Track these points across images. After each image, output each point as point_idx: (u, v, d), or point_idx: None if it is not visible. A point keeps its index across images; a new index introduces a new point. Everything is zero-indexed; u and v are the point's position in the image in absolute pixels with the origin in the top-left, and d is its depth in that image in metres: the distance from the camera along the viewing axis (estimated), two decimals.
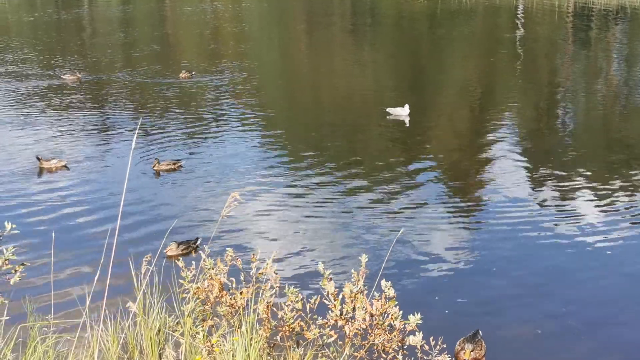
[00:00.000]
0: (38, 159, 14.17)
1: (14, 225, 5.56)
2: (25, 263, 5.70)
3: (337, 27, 37.00)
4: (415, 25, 36.27)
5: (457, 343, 7.79)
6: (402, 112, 17.35)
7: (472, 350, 7.62)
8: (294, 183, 13.37)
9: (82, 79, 22.41)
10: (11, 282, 5.62)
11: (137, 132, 6.74)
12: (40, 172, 14.01)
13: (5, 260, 5.68)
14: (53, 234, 6.87)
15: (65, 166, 14.30)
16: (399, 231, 9.16)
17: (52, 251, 7.05)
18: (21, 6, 45.83)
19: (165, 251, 10.08)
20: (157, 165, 13.72)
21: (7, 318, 5.66)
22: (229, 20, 39.06)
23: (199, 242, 10.42)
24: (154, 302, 5.98)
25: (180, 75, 22.08)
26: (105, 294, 5.49)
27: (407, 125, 17.12)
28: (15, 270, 5.70)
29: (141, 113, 18.37)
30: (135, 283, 5.85)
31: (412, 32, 34.61)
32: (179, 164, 13.99)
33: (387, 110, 17.58)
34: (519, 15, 38.05)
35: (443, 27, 35.01)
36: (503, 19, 37.57)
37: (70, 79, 22.25)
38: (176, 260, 5.89)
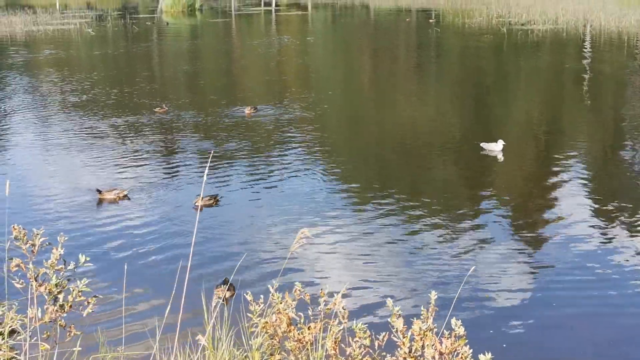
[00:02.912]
0: (99, 191, 14.43)
1: (87, 258, 5.68)
2: (98, 295, 5.80)
3: (402, 61, 37.04)
4: (481, 59, 36.06)
5: None
6: (496, 148, 17.28)
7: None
8: (360, 218, 13.34)
9: (168, 111, 23.05)
10: (84, 314, 5.72)
11: (208, 165, 6.83)
12: (100, 203, 14.26)
13: (79, 292, 5.80)
14: (125, 266, 7.00)
15: (126, 196, 14.55)
16: (468, 268, 9.07)
17: (124, 283, 7.17)
18: (95, 41, 47.04)
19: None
20: (198, 201, 13.84)
21: (80, 349, 5.77)
22: (294, 54, 39.48)
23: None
24: (223, 336, 6.04)
25: (246, 110, 22.33)
26: (178, 328, 5.54)
27: (500, 159, 16.98)
28: (88, 302, 5.81)
29: (205, 147, 18.60)
30: (205, 316, 5.92)
31: (477, 66, 34.42)
32: (216, 199, 14.13)
33: (481, 145, 17.52)
34: (586, 49, 37.58)
35: (509, 61, 34.78)
36: (570, 52, 37.13)
37: (160, 111, 22.85)
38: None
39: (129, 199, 14.54)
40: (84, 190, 15.06)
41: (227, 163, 17.00)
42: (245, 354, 6.05)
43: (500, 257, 11.46)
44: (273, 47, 42.56)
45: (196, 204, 13.82)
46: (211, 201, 13.95)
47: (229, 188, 15.16)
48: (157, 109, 23.07)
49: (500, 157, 17.13)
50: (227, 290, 9.63)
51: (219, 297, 9.22)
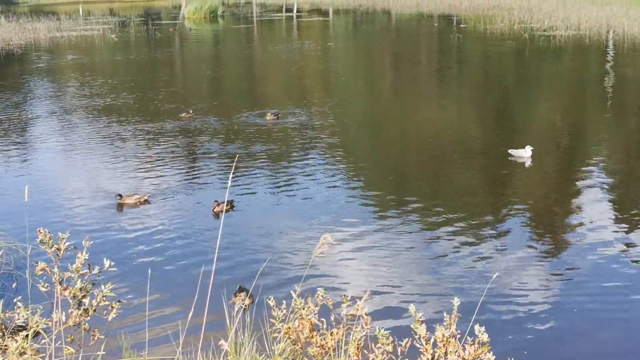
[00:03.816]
0: (119, 196, 14.53)
1: (112, 263, 5.71)
2: (122, 300, 5.83)
3: (424, 66, 36.98)
4: (503, 64, 35.94)
5: None
6: (525, 154, 17.20)
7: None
8: (382, 224, 13.32)
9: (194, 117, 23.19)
10: (109, 319, 5.75)
11: (232, 171, 6.87)
12: (121, 207, 14.35)
13: (103, 296, 5.83)
14: (149, 271, 7.03)
15: (147, 201, 14.64)
16: (491, 274, 9.03)
17: (148, 288, 7.20)
18: (117, 47, 47.36)
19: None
20: (216, 207, 13.89)
21: (104, 353, 5.80)
22: (316, 59, 39.53)
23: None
24: (246, 341, 6.05)
25: (267, 117, 22.37)
26: (202, 333, 5.56)
27: (527, 166, 16.90)
28: (112, 307, 5.84)
29: (226, 153, 18.66)
30: (228, 321, 5.94)
31: (499, 71, 34.31)
32: (232, 204, 14.17)
33: (509, 151, 17.46)
34: (609, 54, 37.35)
35: (531, 67, 34.61)
36: (593, 58, 36.92)
37: (185, 116, 22.98)
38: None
39: (149, 203, 14.62)
40: (106, 194, 15.16)
41: (249, 169, 17.02)
42: (268, 359, 6.06)
43: (523, 263, 11.40)
44: (294, 52, 42.62)
45: (214, 209, 13.88)
46: (228, 207, 13.99)
47: (250, 193, 15.20)
48: (183, 114, 23.20)
49: (529, 163, 17.04)
50: (246, 298, 9.63)
51: (241, 304, 9.25)
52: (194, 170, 17.23)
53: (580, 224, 13.20)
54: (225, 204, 13.92)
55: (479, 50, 41.88)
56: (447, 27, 56.03)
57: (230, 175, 6.11)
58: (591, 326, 9.53)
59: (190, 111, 23.50)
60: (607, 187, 15.49)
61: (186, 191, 15.55)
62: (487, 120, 23.07)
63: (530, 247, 12.16)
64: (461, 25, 55.50)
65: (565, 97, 27.29)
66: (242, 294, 9.78)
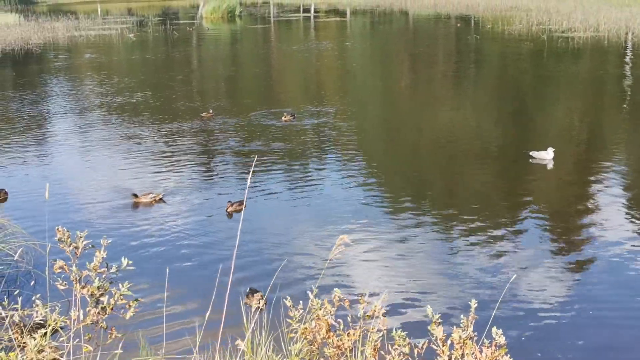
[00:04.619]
0: (135, 195, 14.61)
1: (130, 262, 5.73)
2: (139, 299, 5.85)
3: (441, 67, 36.89)
4: (521, 65, 35.79)
5: None
6: (546, 156, 17.14)
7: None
8: (399, 225, 13.30)
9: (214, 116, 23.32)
10: (126, 317, 5.78)
11: (251, 171, 6.88)
12: (136, 206, 14.43)
13: (120, 295, 5.86)
14: (167, 269, 7.05)
15: (162, 199, 14.71)
16: (509, 276, 9.00)
17: (166, 287, 7.24)
18: (136, 46, 47.59)
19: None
20: (230, 207, 13.92)
21: (122, 351, 5.83)
22: (333, 59, 39.55)
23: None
24: (262, 341, 6.06)
25: (283, 118, 22.39)
26: (220, 332, 5.57)
27: (549, 168, 16.84)
28: (130, 306, 5.87)
29: (242, 152, 18.73)
30: (245, 321, 5.95)
31: (517, 73, 34.19)
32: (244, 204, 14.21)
33: (531, 153, 17.40)
34: (627, 56, 37.14)
35: (549, 68, 34.46)
36: (611, 59, 36.71)
37: (206, 116, 23.12)
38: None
39: (164, 202, 14.69)
40: (124, 193, 15.23)
41: (265, 169, 17.05)
42: (285, 359, 6.07)
43: (542, 265, 11.35)
44: (312, 52, 42.66)
45: (228, 209, 13.92)
46: (241, 206, 14.02)
47: (266, 193, 15.23)
48: (203, 114, 23.31)
49: (551, 165, 16.96)
50: (260, 299, 9.61)
51: (257, 305, 9.25)
52: (210, 170, 17.30)
53: (600, 225, 13.11)
54: (238, 203, 13.95)
55: (497, 51, 41.76)
56: (465, 27, 55.87)
57: (249, 176, 6.13)
58: (609, 328, 9.48)
59: (211, 110, 23.62)
60: (627, 188, 15.41)
61: (202, 190, 15.61)
62: (506, 122, 22.99)
63: (549, 248, 12.10)
64: (488, 26, 55.32)
65: (584, 98, 27.16)
66: (259, 294, 9.77)
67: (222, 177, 16.60)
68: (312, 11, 78.66)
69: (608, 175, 16.22)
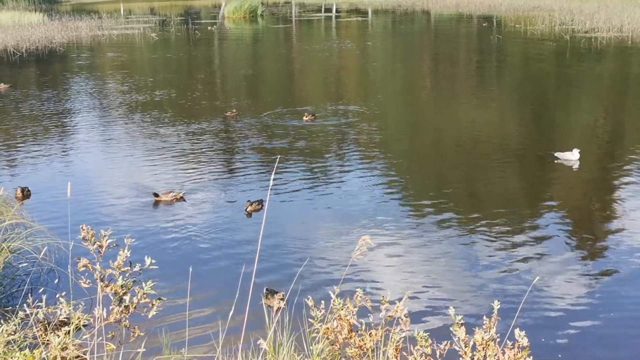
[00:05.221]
0: (156, 195, 14.68)
1: (153, 261, 5.77)
2: (162, 298, 5.88)
3: (463, 67, 36.76)
4: (544, 65, 35.58)
5: None
6: (572, 157, 17.02)
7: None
8: (421, 226, 13.25)
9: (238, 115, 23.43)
10: (149, 316, 5.81)
11: (274, 171, 6.91)
12: (157, 205, 14.50)
13: (144, 294, 5.90)
14: (190, 269, 7.08)
15: (182, 198, 14.78)
16: (531, 278, 8.95)
17: (189, 286, 7.26)
18: (158, 45, 47.80)
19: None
20: (249, 206, 13.93)
21: (145, 350, 5.87)
22: (354, 59, 39.53)
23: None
24: (284, 341, 6.08)
25: (304, 118, 22.40)
26: (243, 332, 5.59)
27: (575, 169, 16.74)
28: (153, 304, 5.90)
29: (263, 152, 18.75)
30: (267, 321, 5.97)
31: (540, 73, 33.98)
32: (262, 203, 14.19)
33: (556, 154, 17.30)
34: None
35: (573, 68, 34.26)
36: (635, 60, 36.41)
37: (230, 115, 23.25)
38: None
39: (184, 201, 14.75)
40: (146, 192, 15.31)
41: (286, 168, 17.05)
42: (306, 359, 6.08)
43: (565, 267, 11.25)
44: (333, 52, 42.65)
45: (247, 209, 13.94)
46: (260, 206, 14.04)
47: (287, 194, 15.22)
48: (228, 113, 23.40)
49: (576, 166, 16.85)
50: (281, 299, 9.60)
51: (279, 305, 9.24)
52: (231, 168, 17.33)
53: (627, 230, 12.93)
54: (257, 203, 13.98)
55: (519, 52, 41.55)
56: (487, 28, 55.61)
57: (272, 176, 6.15)
58: (632, 332, 9.40)
59: (234, 110, 23.71)
60: None
61: (223, 189, 15.64)
62: (529, 122, 22.85)
63: (573, 253, 11.94)
64: (517, 26, 55.04)
65: (607, 98, 26.97)
66: (279, 294, 9.75)
67: (243, 176, 16.63)
68: (334, 11, 78.66)
69: (635, 177, 16.07)
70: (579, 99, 26.60)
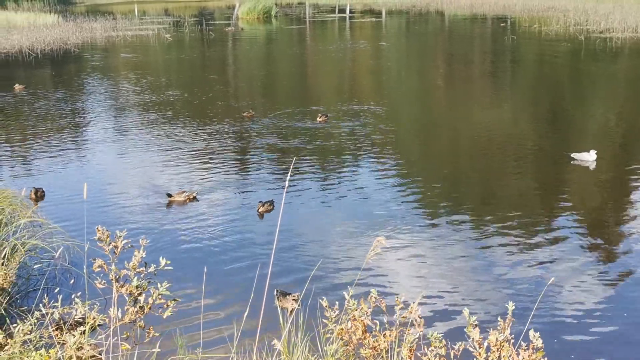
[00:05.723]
0: (169, 195, 14.74)
1: (168, 262, 5.79)
2: (177, 299, 5.90)
3: (477, 67, 36.67)
4: (559, 66, 35.47)
5: None
6: (589, 158, 16.95)
7: None
8: (435, 227, 13.23)
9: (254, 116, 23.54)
10: (164, 317, 5.84)
11: (290, 172, 6.93)
12: (170, 205, 14.56)
13: (159, 294, 5.92)
14: (205, 270, 7.11)
15: (195, 198, 14.83)
16: (546, 280, 8.91)
17: (203, 287, 7.28)
18: (172, 46, 47.94)
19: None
20: (260, 207, 13.96)
21: (159, 350, 5.89)
22: (368, 59, 39.54)
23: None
24: (298, 341, 6.09)
25: (318, 119, 22.42)
26: (258, 332, 5.60)
27: (591, 170, 16.67)
28: (167, 305, 5.93)
29: (277, 152, 18.77)
30: (281, 321, 5.98)
31: (555, 73, 33.87)
32: (272, 204, 14.21)
33: (572, 155, 17.25)
34: None
35: (588, 69, 34.13)
36: None
37: (247, 115, 23.35)
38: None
39: (197, 200, 14.80)
40: (160, 192, 15.36)
41: (300, 169, 17.06)
42: (320, 359, 6.09)
43: (580, 269, 11.20)
44: (347, 52, 42.66)
45: (259, 210, 13.97)
46: (271, 207, 14.06)
47: (301, 195, 15.21)
48: (245, 113, 23.47)
49: (593, 167, 16.78)
50: (295, 300, 9.59)
51: (294, 306, 9.24)
52: (245, 169, 17.36)
53: (637, 233, 12.91)
54: (269, 203, 14.01)
55: (534, 52, 41.42)
56: (502, 28, 55.46)
57: (287, 177, 6.16)
58: None
59: (251, 110, 23.77)
60: None
61: (236, 189, 15.67)
62: (545, 123, 22.77)
63: (589, 256, 11.85)
64: (505, 26, 54.85)
65: (623, 99, 26.85)
66: (292, 295, 9.74)
67: (257, 177, 16.65)
68: (348, 11, 78.66)
69: None
70: (594, 100, 26.50)
